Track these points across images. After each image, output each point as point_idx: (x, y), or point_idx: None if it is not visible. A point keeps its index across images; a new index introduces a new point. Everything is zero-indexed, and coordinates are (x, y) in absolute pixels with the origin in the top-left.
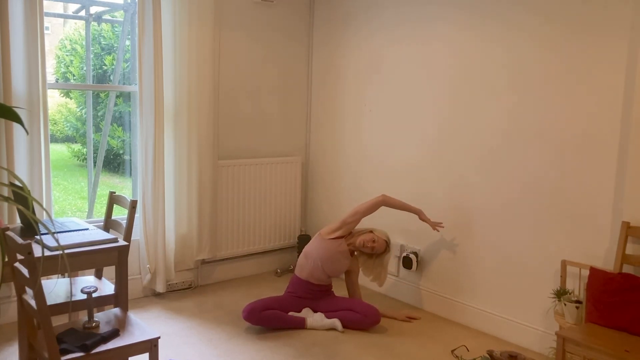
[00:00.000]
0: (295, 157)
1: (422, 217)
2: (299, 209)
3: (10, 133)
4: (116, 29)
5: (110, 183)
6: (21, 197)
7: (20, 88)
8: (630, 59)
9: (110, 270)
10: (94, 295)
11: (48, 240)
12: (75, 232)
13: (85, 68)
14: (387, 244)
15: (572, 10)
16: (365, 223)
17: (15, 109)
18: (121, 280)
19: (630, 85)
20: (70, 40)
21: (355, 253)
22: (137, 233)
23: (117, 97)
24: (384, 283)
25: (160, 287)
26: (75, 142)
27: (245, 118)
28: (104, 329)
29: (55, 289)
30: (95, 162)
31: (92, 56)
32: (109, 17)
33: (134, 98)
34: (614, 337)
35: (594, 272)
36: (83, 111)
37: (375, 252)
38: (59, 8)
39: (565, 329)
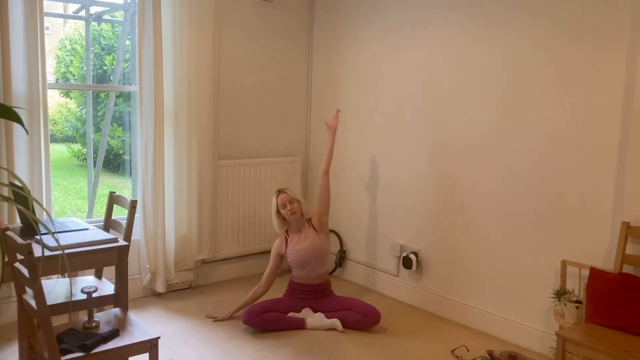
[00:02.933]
0: (295, 157)
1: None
2: None
3: (10, 133)
4: (116, 29)
5: (110, 183)
6: (21, 197)
7: (20, 88)
8: (630, 59)
9: (110, 270)
10: (94, 295)
11: (48, 240)
12: (75, 232)
13: (85, 68)
14: (280, 192)
15: (572, 11)
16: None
17: (15, 109)
18: (121, 280)
19: (630, 85)
20: (70, 40)
21: (307, 220)
22: (137, 233)
23: (117, 97)
24: (309, 207)
25: (160, 287)
26: (75, 142)
27: (245, 118)
28: (104, 329)
29: (55, 289)
30: (95, 162)
31: (92, 56)
32: (109, 17)
33: (134, 98)
34: (614, 337)
35: (594, 272)
36: (83, 111)
37: (293, 201)
38: (59, 8)
39: (565, 329)
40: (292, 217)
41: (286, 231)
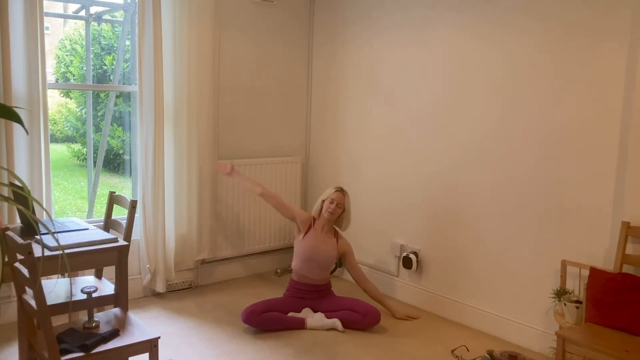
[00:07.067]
0: (295, 157)
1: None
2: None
3: (10, 133)
4: (116, 29)
5: (110, 183)
6: (21, 197)
7: (20, 88)
8: (630, 59)
9: (110, 270)
10: (94, 295)
11: (48, 240)
12: (75, 232)
13: (85, 68)
14: (341, 192)
15: (572, 12)
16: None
17: (15, 109)
18: (121, 280)
19: (630, 85)
20: (70, 40)
21: (337, 229)
22: (137, 233)
23: (117, 97)
24: (348, 226)
25: (160, 287)
26: (75, 142)
27: (245, 118)
28: (104, 329)
29: (55, 289)
30: (95, 162)
31: (92, 56)
32: (109, 17)
33: (134, 98)
34: (614, 337)
35: (594, 272)
36: (83, 111)
37: (341, 206)
38: (59, 8)
39: (565, 329)
40: (328, 215)
41: (314, 218)
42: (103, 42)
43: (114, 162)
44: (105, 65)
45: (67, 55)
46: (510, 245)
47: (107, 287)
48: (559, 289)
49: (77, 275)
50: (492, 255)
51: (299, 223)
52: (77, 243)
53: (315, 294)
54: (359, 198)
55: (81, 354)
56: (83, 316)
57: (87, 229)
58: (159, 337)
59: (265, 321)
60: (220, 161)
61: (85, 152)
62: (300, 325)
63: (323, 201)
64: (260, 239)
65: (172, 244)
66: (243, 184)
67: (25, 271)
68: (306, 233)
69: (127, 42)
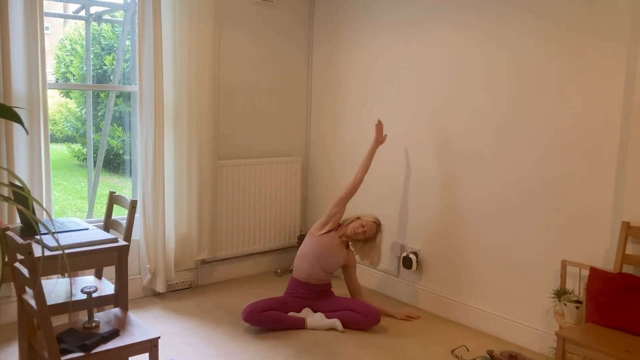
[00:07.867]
0: (295, 157)
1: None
2: (299, 209)
3: (10, 133)
4: (116, 29)
5: (110, 183)
6: (21, 197)
7: (20, 88)
8: (630, 59)
9: (110, 270)
10: (94, 295)
11: (48, 240)
12: (75, 232)
13: (85, 68)
14: (377, 225)
15: (572, 11)
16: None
17: (15, 109)
18: (121, 280)
19: (630, 85)
20: (70, 40)
21: (350, 246)
22: (137, 233)
23: (117, 97)
24: (379, 264)
25: (160, 287)
26: (75, 142)
27: (245, 118)
28: (104, 329)
29: (55, 289)
30: (95, 162)
31: (92, 56)
32: (109, 17)
33: (134, 98)
34: (614, 337)
35: (594, 272)
36: (83, 111)
37: (367, 236)
38: (59, 8)
39: (565, 329)
40: (351, 232)
41: (338, 226)
42: (103, 42)
43: (114, 162)
44: (105, 65)
45: (67, 55)
46: (510, 245)
47: (107, 287)
48: (559, 289)
49: (77, 275)
50: (492, 255)
51: (335, 220)
52: (77, 243)
53: (315, 293)
54: (358, 198)
55: (81, 354)
56: (83, 316)
57: (87, 229)
58: (159, 337)
59: (265, 320)
60: (382, 125)
61: (85, 152)
62: (300, 325)
63: (358, 218)
64: (260, 239)
65: (172, 244)
66: (368, 154)
67: (25, 271)
68: (327, 232)
69: (127, 42)
